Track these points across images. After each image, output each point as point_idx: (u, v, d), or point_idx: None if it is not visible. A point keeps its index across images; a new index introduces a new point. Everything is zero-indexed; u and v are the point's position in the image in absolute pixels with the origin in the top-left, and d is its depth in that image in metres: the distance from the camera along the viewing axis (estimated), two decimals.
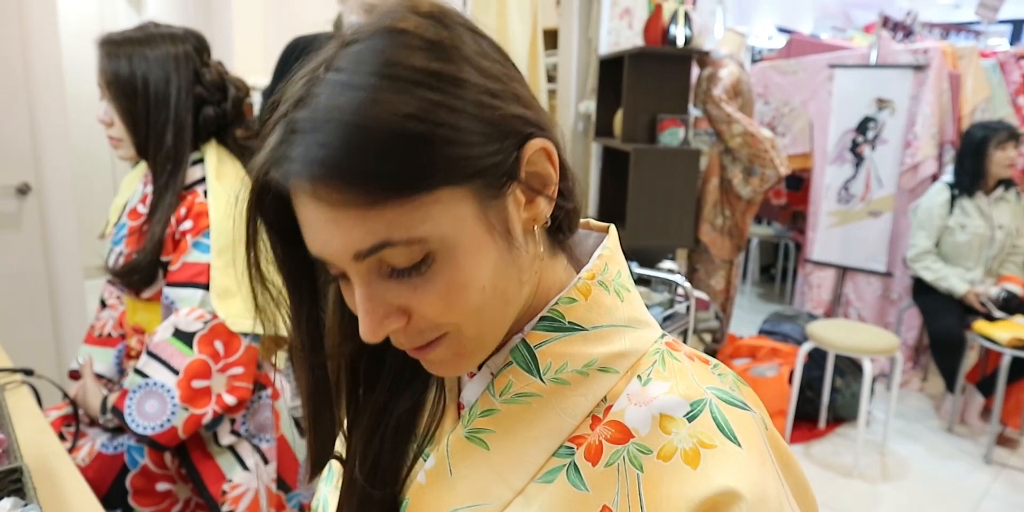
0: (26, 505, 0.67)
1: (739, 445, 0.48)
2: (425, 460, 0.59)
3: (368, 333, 0.48)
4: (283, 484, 1.43)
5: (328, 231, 0.45)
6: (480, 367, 0.57)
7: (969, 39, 4.61)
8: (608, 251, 0.56)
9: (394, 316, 0.48)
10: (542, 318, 0.53)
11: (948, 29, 4.63)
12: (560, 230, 0.56)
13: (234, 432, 1.34)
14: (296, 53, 1.97)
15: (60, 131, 2.40)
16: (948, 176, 3.19)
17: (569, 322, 0.53)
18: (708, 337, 3.01)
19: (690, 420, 0.49)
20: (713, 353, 3.09)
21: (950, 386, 3.07)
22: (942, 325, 3.05)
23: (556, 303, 0.53)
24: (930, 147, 3.41)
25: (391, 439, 0.61)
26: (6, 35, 2.20)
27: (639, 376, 0.53)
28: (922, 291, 3.19)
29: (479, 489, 0.54)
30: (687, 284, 1.57)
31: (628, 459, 0.50)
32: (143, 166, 1.44)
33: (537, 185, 0.51)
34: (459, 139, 0.44)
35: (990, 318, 2.92)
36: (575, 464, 0.51)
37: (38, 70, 2.31)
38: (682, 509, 0.46)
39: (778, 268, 5.27)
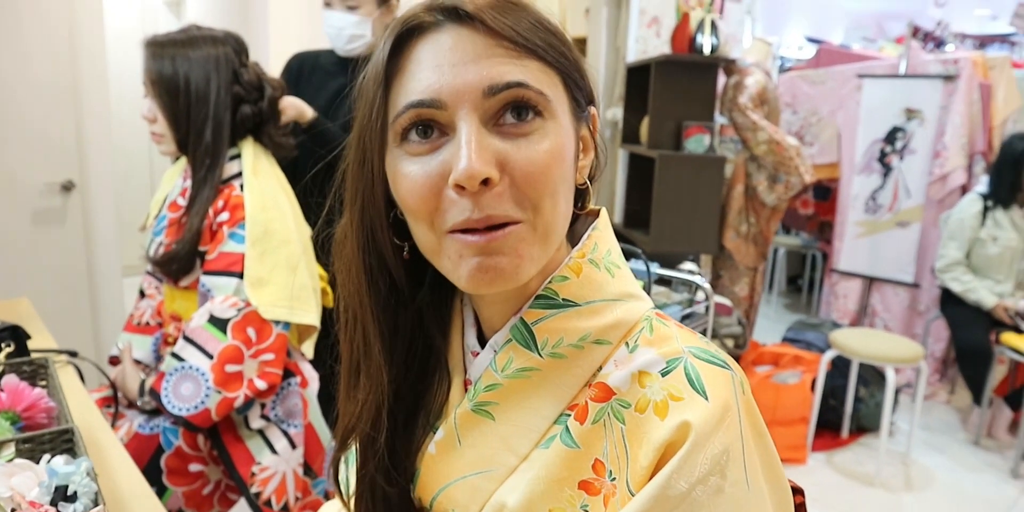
0: (77, 458, 0.72)
1: (706, 398, 0.50)
2: (435, 433, 0.62)
3: (468, 163, 0.49)
4: (309, 470, 1.48)
5: (476, 60, 0.51)
6: (484, 345, 0.61)
7: (1004, 50, 4.56)
8: (598, 231, 0.60)
9: (493, 164, 0.50)
10: (538, 296, 0.57)
11: (984, 40, 4.59)
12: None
13: (264, 416, 1.38)
14: (297, 68, 2.01)
15: (104, 132, 2.50)
16: (982, 187, 3.16)
17: (563, 299, 0.56)
18: (730, 343, 3.01)
19: (664, 375, 0.52)
20: (736, 359, 3.07)
21: (977, 399, 3.03)
22: (969, 337, 3.02)
23: (550, 282, 0.57)
24: (959, 157, 3.39)
25: (404, 428, 0.64)
26: (56, 42, 2.30)
27: (627, 343, 0.56)
28: (950, 302, 3.16)
29: (487, 457, 0.58)
30: (707, 285, 1.59)
31: (612, 414, 0.53)
32: (183, 162, 1.50)
33: (587, 143, 0.59)
34: (576, 59, 0.57)
35: (1019, 330, 2.89)
36: (567, 426, 0.55)
37: (84, 73, 2.41)
38: (650, 456, 0.50)
39: (805, 279, 5.24)
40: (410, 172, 0.53)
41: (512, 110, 0.51)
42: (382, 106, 0.54)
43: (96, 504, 0.68)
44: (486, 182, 0.49)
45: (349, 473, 0.71)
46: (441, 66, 0.51)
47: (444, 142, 0.52)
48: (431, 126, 0.52)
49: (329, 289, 1.62)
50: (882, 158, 3.62)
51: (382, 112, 0.54)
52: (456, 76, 0.50)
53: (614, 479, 0.53)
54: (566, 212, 0.55)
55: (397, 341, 0.63)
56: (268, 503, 1.37)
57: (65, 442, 0.81)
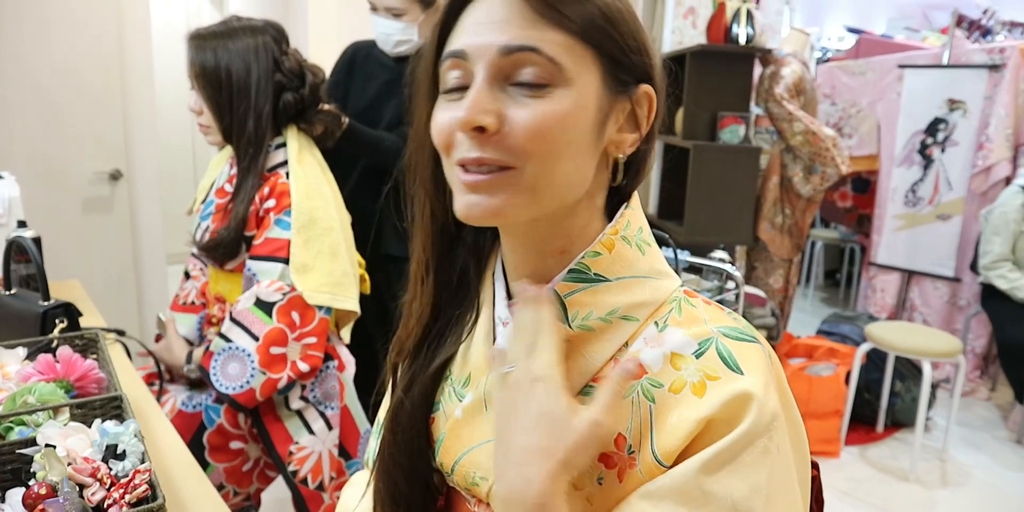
0: (124, 422, 0.77)
1: (742, 373, 0.53)
2: (462, 399, 0.65)
3: (466, 112, 0.53)
4: (344, 451, 1.52)
5: (500, 22, 0.54)
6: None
7: None
8: (631, 209, 0.62)
9: (491, 115, 0.54)
10: (570, 270, 0.59)
11: None
12: (619, 192, 0.62)
13: (303, 398, 1.43)
14: (351, 57, 2.05)
15: (149, 123, 2.58)
16: (1021, 179, 3.09)
17: (594, 273, 0.59)
18: (763, 334, 3.00)
19: (698, 357, 0.54)
20: None
21: (1019, 396, 2.98)
22: (1012, 332, 2.95)
23: (583, 257, 0.59)
24: (1004, 149, 3.31)
25: (432, 375, 0.68)
26: (105, 38, 2.38)
27: (656, 322, 0.58)
28: (992, 297, 3.09)
29: None
30: (737, 273, 1.60)
31: (642, 392, 0.55)
32: (229, 149, 1.54)
33: (633, 121, 0.60)
34: (625, 28, 0.57)
35: None
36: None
37: (131, 68, 2.49)
38: (684, 430, 0.52)
39: (843, 273, 5.16)
40: (440, 113, 0.58)
41: (526, 74, 0.54)
42: (432, 63, 0.60)
43: (143, 462, 0.73)
44: (483, 129, 0.53)
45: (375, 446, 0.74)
46: (476, 25, 0.56)
47: (467, 93, 0.56)
48: (465, 85, 0.56)
49: (367, 276, 1.66)
50: (923, 150, 3.56)
51: (433, 70, 0.60)
52: (481, 35, 0.55)
53: (632, 453, 0.55)
54: (570, 176, 0.57)
55: (444, 265, 0.67)
56: (304, 481, 1.42)
57: (114, 408, 0.86)
